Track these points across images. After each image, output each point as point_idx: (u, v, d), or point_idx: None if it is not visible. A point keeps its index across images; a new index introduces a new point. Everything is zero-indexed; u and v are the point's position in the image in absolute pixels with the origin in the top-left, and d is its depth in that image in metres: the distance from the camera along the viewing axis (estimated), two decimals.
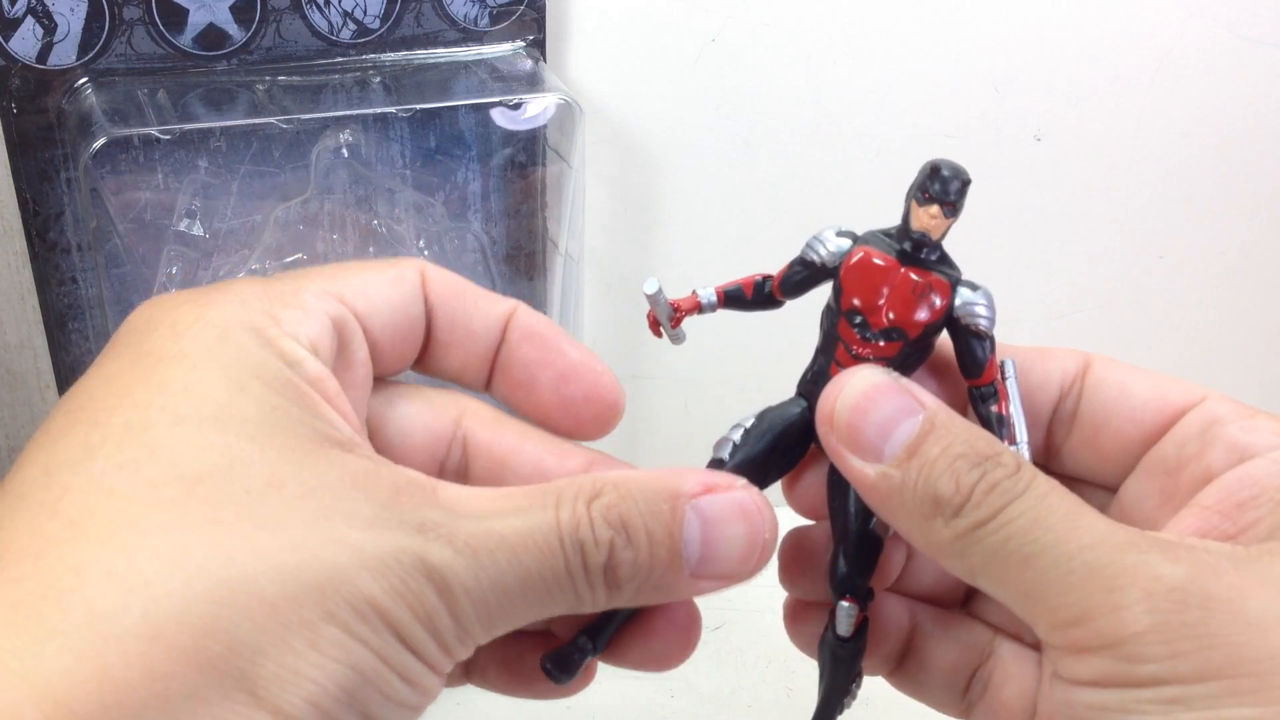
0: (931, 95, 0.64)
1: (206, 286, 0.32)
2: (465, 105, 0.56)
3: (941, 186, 0.32)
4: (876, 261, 0.34)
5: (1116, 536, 0.29)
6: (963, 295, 0.34)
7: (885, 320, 0.34)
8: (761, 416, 0.36)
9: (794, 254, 0.35)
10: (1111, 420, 0.36)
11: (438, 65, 0.56)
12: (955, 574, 0.32)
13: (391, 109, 0.54)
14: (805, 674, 0.39)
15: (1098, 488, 0.37)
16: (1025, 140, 0.66)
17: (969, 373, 0.35)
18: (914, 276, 0.33)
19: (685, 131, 0.62)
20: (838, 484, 0.35)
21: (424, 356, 0.36)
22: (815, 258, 0.35)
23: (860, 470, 0.32)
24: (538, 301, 0.61)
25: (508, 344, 0.35)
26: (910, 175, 0.33)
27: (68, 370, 0.57)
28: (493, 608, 0.29)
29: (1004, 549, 0.30)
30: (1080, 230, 0.70)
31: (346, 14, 0.54)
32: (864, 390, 0.32)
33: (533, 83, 0.56)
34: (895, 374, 0.33)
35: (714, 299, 0.36)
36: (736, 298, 0.36)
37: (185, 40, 0.53)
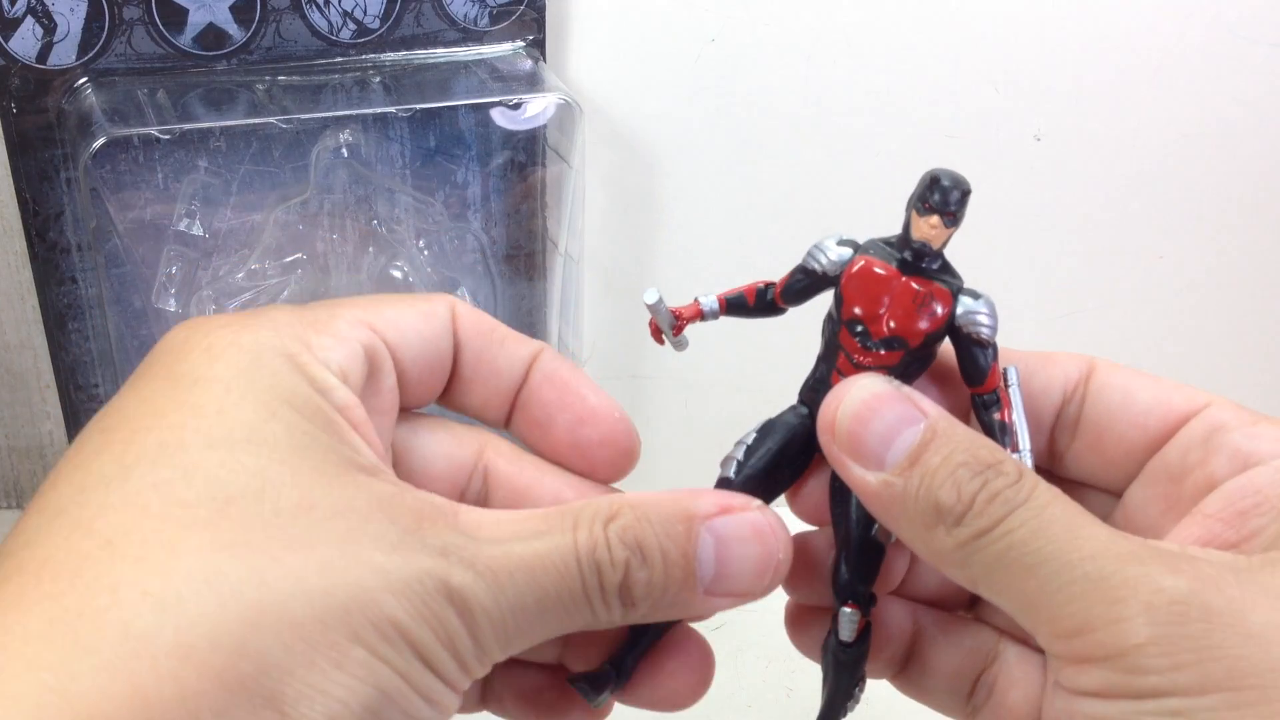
0: (931, 95, 0.64)
1: (243, 311, 0.33)
2: (465, 105, 0.56)
3: (941, 197, 0.32)
4: (877, 271, 0.34)
5: (1118, 547, 0.29)
6: (964, 304, 0.34)
7: (886, 329, 0.34)
8: (763, 430, 0.36)
9: (794, 254, 0.35)
10: (1115, 426, 0.36)
11: (437, 65, 0.56)
12: (957, 582, 0.32)
13: (391, 109, 0.54)
14: (806, 674, 0.39)
15: (1102, 492, 0.37)
16: (1025, 140, 0.66)
17: (971, 380, 0.35)
18: (915, 286, 0.33)
19: (685, 131, 0.62)
20: (839, 491, 0.35)
21: (449, 391, 0.36)
22: (816, 266, 0.34)
23: (862, 478, 0.32)
24: (538, 301, 0.61)
25: (529, 384, 0.36)
26: (910, 175, 0.33)
27: (67, 370, 0.57)
28: (511, 628, 0.30)
29: (1005, 558, 0.30)
30: (1080, 230, 0.70)
31: (346, 14, 0.54)
32: (865, 398, 0.32)
33: (532, 83, 0.56)
34: (897, 382, 0.33)
35: (716, 306, 0.36)
36: (738, 305, 0.36)
37: (185, 40, 0.52)
